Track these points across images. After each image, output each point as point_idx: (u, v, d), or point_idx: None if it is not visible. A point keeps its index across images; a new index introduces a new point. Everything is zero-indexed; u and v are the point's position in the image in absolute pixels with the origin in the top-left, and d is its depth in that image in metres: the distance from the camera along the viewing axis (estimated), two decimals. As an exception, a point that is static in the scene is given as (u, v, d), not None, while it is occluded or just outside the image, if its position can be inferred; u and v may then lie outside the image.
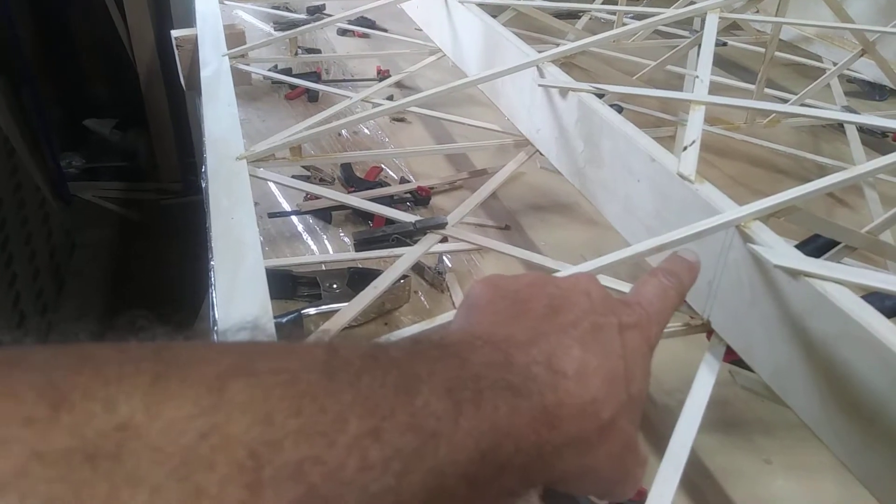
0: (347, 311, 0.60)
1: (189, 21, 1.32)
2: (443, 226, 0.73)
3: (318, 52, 1.41)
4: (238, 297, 0.58)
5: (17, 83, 2.51)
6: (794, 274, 0.50)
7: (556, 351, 0.33)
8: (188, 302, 2.19)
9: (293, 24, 1.41)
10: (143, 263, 2.45)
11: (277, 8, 1.56)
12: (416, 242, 0.72)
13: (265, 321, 0.55)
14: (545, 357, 0.33)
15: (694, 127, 0.69)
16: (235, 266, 0.62)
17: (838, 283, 0.48)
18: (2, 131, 2.20)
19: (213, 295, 0.73)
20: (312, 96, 1.23)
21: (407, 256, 0.68)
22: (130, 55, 2.73)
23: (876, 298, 0.51)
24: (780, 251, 0.52)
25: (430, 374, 0.28)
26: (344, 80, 1.32)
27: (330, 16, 1.43)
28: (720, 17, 0.95)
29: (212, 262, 0.72)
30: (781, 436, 0.64)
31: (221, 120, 0.88)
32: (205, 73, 1.02)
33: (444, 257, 0.82)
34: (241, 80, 1.20)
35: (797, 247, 0.62)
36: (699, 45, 0.88)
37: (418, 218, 0.74)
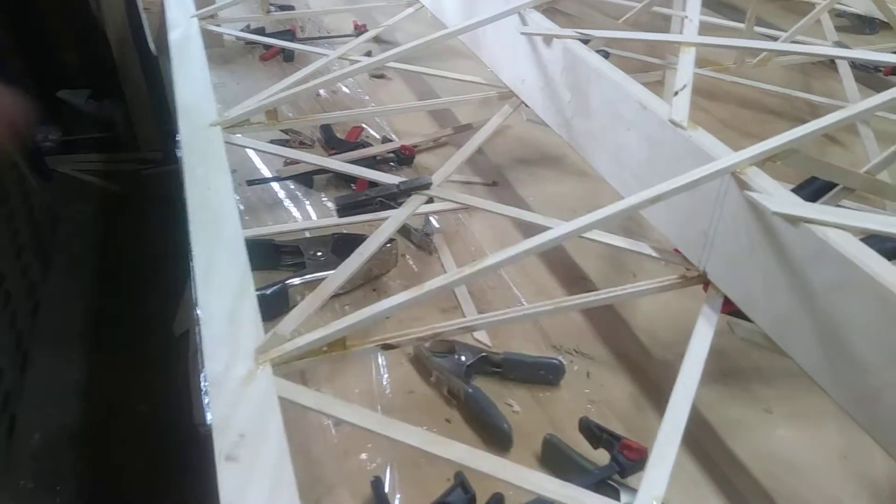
0: (333, 279, 0.58)
1: (156, -18, 1.26)
2: (428, 186, 0.70)
3: (292, 8, 1.36)
4: (218, 271, 0.56)
5: (-16, 56, 2.43)
6: (794, 221, 0.48)
7: None
8: (176, 271, 2.16)
9: (263, -19, 1.35)
10: (128, 235, 2.41)
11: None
12: (400, 204, 0.70)
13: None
14: None
15: (685, 70, 0.66)
16: (214, 238, 0.60)
17: (839, 227, 0.46)
18: (-28, 107, 2.14)
19: (193, 268, 0.71)
20: (288, 56, 1.19)
21: (392, 220, 0.65)
22: (101, 22, 2.64)
23: (876, 240, 0.49)
24: (779, 197, 0.50)
25: None
26: (320, 38, 1.28)
27: (301, -30, 1.37)
28: (707, -47, 0.91)
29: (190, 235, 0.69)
30: (780, 385, 0.63)
31: (193, 85, 0.84)
32: (173, 37, 0.98)
33: (431, 218, 0.79)
34: (212, 41, 1.15)
35: (794, 191, 0.60)
36: (686, -16, 0.85)
37: (402, 179, 0.72)
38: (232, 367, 0.47)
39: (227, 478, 0.40)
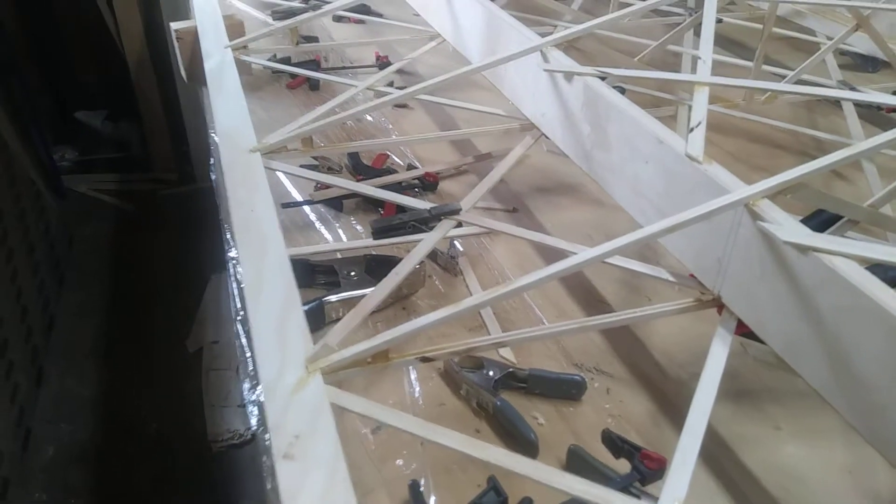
0: (372, 297, 0.62)
1: (178, 8, 1.31)
2: (458, 211, 0.75)
3: (316, 39, 1.41)
4: (266, 287, 0.60)
5: (5, 76, 2.49)
6: (804, 249, 0.52)
7: None
8: (190, 290, 2.21)
9: (290, 13, 1.41)
10: (142, 254, 2.46)
11: (272, -5, 1.55)
12: (431, 228, 0.74)
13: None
14: None
15: (699, 108, 0.71)
16: (260, 257, 0.64)
17: (846, 256, 0.50)
18: (-6, 126, 2.19)
19: (233, 286, 0.75)
20: (314, 85, 1.24)
21: (426, 242, 0.70)
22: (119, 45, 2.71)
23: (880, 269, 0.53)
24: (789, 228, 0.55)
25: None
26: (343, 68, 1.33)
27: (328, 2, 1.42)
28: (718, -3, 0.96)
29: (231, 255, 0.73)
30: (790, 403, 0.66)
31: (231, 113, 0.89)
32: (209, 66, 1.03)
33: (456, 242, 0.84)
34: (241, 69, 1.20)
35: (803, 222, 0.64)
36: (697, 25, 0.90)
37: (433, 205, 0.76)
38: (283, 375, 0.51)
39: (286, 474, 0.44)
